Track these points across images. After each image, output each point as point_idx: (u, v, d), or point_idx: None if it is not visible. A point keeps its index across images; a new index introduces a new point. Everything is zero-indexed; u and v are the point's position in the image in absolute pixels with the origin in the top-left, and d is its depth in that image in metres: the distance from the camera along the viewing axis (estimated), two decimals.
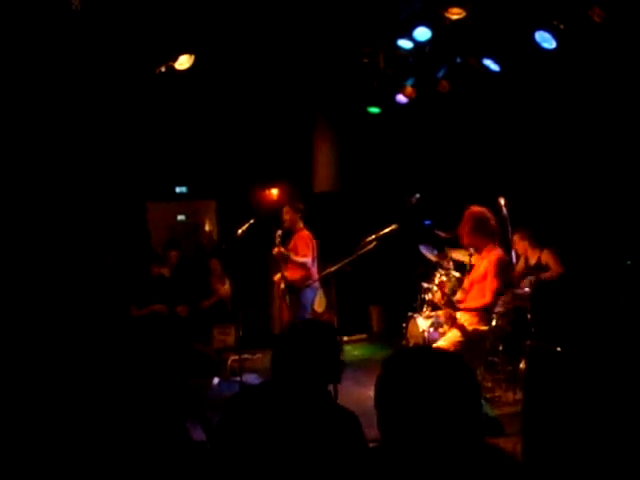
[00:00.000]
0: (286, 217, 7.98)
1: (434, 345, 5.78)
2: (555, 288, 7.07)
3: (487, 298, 5.65)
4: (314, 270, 7.96)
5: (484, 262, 5.74)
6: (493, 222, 5.79)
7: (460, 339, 5.62)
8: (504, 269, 5.69)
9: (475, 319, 5.71)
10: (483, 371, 6.86)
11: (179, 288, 8.37)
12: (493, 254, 5.71)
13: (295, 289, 7.91)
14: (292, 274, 7.90)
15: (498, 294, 5.71)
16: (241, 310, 7.96)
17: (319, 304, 9.41)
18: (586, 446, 4.04)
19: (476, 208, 5.82)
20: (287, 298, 8.00)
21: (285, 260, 7.88)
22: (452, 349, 5.50)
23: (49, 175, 9.04)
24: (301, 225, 8.05)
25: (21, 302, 7.36)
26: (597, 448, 3.95)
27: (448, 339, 5.71)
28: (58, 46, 7.51)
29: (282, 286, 7.97)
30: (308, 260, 7.82)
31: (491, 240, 5.76)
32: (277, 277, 8.14)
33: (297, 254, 7.85)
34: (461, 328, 5.64)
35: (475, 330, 5.67)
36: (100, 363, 6.02)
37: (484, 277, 5.70)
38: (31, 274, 7.99)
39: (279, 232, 7.72)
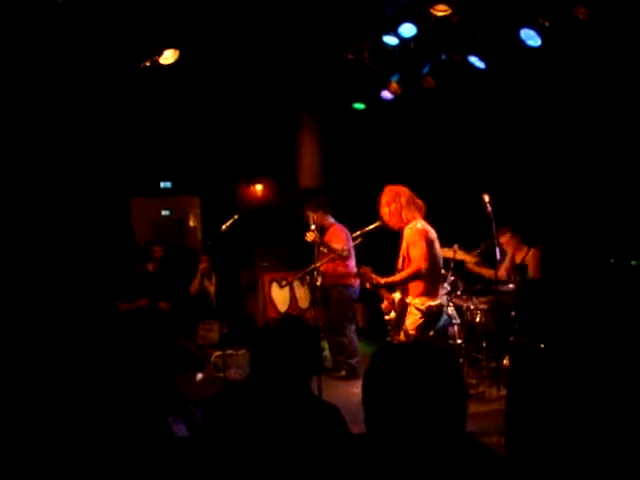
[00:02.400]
0: (311, 221, 7.36)
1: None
2: (539, 286, 7.10)
3: (419, 263, 5.51)
4: (352, 266, 7.60)
5: (405, 235, 5.67)
6: (414, 197, 5.73)
7: (408, 339, 5.60)
8: (422, 235, 5.56)
9: (424, 298, 5.60)
10: (467, 367, 6.90)
11: (163, 283, 8.34)
12: (410, 225, 5.64)
13: (330, 286, 7.61)
14: (328, 268, 7.48)
15: (430, 258, 5.56)
16: (227, 306, 7.93)
17: (304, 300, 9.40)
18: (569, 443, 4.06)
19: (397, 187, 5.74)
20: (319, 297, 7.54)
21: (322, 248, 7.27)
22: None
23: (30, 171, 8.97)
24: (331, 220, 7.79)
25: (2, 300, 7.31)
26: (580, 444, 3.97)
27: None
28: (42, 40, 7.44)
29: (318, 283, 7.17)
30: (346, 248, 7.41)
31: (417, 215, 5.69)
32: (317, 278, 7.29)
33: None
34: (405, 330, 5.63)
35: (429, 308, 5.58)
36: (82, 358, 5.98)
37: (407, 249, 5.63)
38: (12, 272, 7.94)
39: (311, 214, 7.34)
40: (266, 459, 2.57)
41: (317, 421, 2.65)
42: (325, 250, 7.30)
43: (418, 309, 5.57)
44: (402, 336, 5.70)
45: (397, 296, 5.72)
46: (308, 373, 2.83)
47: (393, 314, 5.83)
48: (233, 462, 2.63)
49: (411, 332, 5.58)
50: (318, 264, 7.02)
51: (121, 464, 3.49)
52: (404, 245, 5.69)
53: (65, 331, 7.01)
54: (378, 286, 5.82)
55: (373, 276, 5.80)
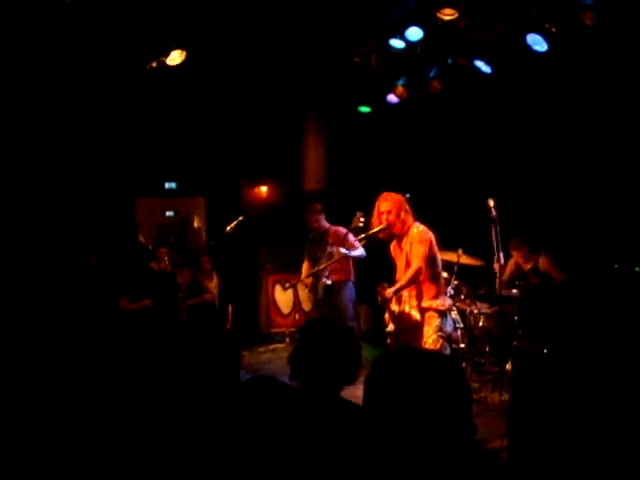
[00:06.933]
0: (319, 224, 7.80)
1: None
2: (542, 291, 7.09)
3: (419, 262, 5.57)
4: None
5: (407, 239, 5.73)
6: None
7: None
8: (426, 235, 5.67)
9: (441, 299, 5.70)
10: (470, 372, 6.90)
11: (167, 284, 8.34)
12: (412, 229, 5.71)
13: (335, 287, 7.48)
14: (337, 273, 7.50)
15: (430, 260, 5.64)
16: (231, 306, 7.93)
17: (307, 302, 9.40)
18: (571, 447, 4.06)
19: (397, 194, 5.79)
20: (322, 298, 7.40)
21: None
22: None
23: (36, 171, 9.00)
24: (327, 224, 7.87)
25: (5, 299, 7.33)
26: (582, 449, 3.97)
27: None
28: (49, 40, 7.47)
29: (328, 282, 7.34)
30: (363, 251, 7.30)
31: (413, 221, 5.76)
32: (308, 280, 7.59)
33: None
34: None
35: (450, 306, 5.83)
36: (85, 358, 5.99)
37: (411, 247, 5.68)
38: (15, 271, 7.96)
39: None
40: (278, 462, 2.55)
41: (339, 422, 2.64)
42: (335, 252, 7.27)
43: (438, 310, 5.65)
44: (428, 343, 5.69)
45: (396, 308, 5.74)
46: (344, 379, 2.82)
47: (392, 326, 5.81)
48: (244, 460, 2.62)
49: (440, 334, 5.63)
50: (321, 267, 7.04)
51: (124, 466, 3.49)
52: (408, 245, 5.72)
53: (66, 330, 7.01)
54: (389, 299, 5.76)
55: (387, 290, 5.75)
